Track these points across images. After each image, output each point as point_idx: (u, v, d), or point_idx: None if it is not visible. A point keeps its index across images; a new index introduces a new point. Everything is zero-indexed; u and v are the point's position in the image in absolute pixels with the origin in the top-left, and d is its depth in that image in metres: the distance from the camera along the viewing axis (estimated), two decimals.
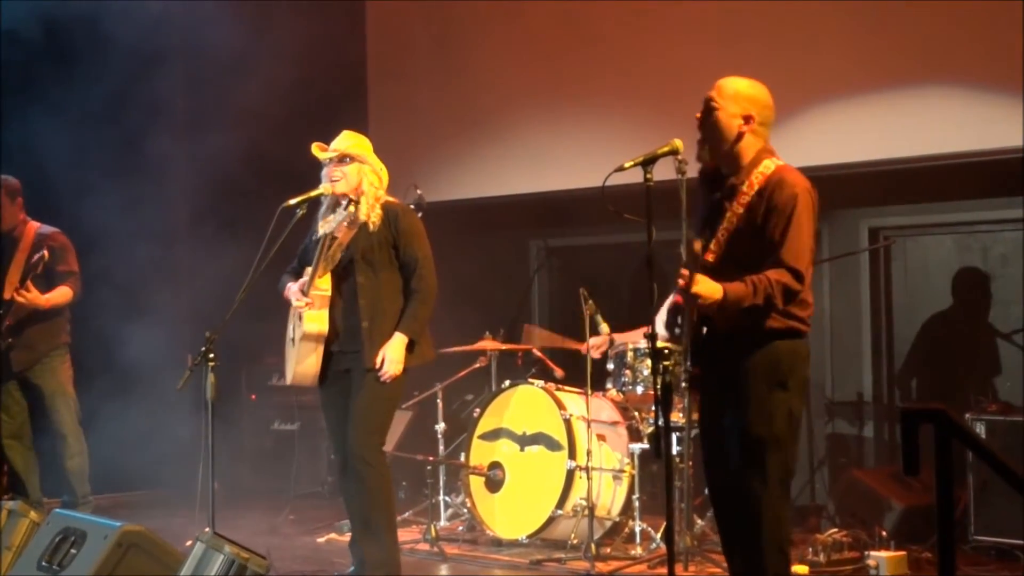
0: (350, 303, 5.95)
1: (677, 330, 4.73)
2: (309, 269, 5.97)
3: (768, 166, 4.63)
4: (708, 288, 4.43)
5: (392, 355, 5.91)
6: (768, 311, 4.51)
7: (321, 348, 5.97)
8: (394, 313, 5.98)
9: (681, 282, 4.43)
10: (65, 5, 8.38)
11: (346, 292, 5.96)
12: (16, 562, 5.14)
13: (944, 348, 8.21)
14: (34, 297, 7.18)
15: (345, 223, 5.86)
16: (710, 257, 4.62)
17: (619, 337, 7.25)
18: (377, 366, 5.89)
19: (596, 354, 7.19)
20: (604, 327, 7.24)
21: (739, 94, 4.66)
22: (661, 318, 5.24)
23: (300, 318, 5.97)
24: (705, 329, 4.66)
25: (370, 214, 5.93)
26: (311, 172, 6.13)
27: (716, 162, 4.73)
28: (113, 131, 8.62)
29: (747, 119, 4.63)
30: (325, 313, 5.95)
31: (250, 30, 8.82)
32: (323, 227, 5.97)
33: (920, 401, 8.20)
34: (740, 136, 4.64)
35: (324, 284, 5.94)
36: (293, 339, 6.10)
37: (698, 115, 4.70)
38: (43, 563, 4.86)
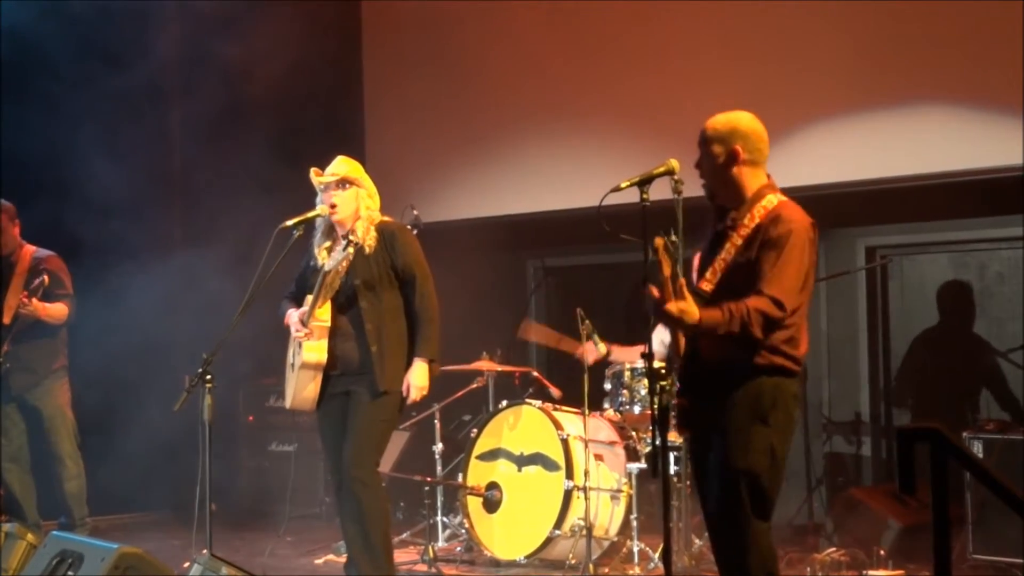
0: (355, 328, 5.96)
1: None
2: (309, 298, 5.98)
3: (771, 200, 4.61)
4: (682, 308, 4.38)
5: (417, 382, 5.95)
6: (750, 343, 4.47)
7: (320, 376, 6.00)
8: (398, 333, 6.00)
9: (655, 295, 4.41)
10: (59, 9, 8.43)
11: (350, 317, 5.97)
12: None
13: (941, 366, 8.22)
14: (36, 305, 7.21)
15: (345, 261, 5.88)
16: (707, 287, 4.60)
17: (617, 352, 7.23)
18: (405, 393, 5.95)
19: (590, 360, 7.12)
20: (601, 346, 7.23)
21: (718, 132, 4.64)
22: (659, 336, 5.24)
23: (300, 346, 5.99)
24: (695, 366, 4.65)
25: (365, 237, 5.95)
26: (308, 193, 6.14)
27: (720, 200, 4.72)
28: (106, 145, 8.62)
29: (733, 154, 4.62)
30: (324, 343, 5.97)
31: (246, 49, 8.84)
32: (326, 260, 5.98)
33: (917, 419, 8.21)
34: (731, 171, 4.62)
35: (324, 314, 5.96)
36: (293, 365, 6.11)
37: (696, 164, 4.71)
38: None
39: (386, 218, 6.13)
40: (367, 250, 5.95)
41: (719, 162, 4.63)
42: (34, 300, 7.19)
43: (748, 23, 7.94)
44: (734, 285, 4.53)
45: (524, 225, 9.35)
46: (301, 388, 6.01)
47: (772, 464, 4.53)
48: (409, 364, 5.99)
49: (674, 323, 4.43)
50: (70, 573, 4.79)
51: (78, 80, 8.58)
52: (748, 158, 4.63)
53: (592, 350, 7.11)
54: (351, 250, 5.88)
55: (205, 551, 4.95)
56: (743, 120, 4.68)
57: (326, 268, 5.92)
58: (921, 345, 8.31)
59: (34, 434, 7.48)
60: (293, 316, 6.05)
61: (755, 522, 4.53)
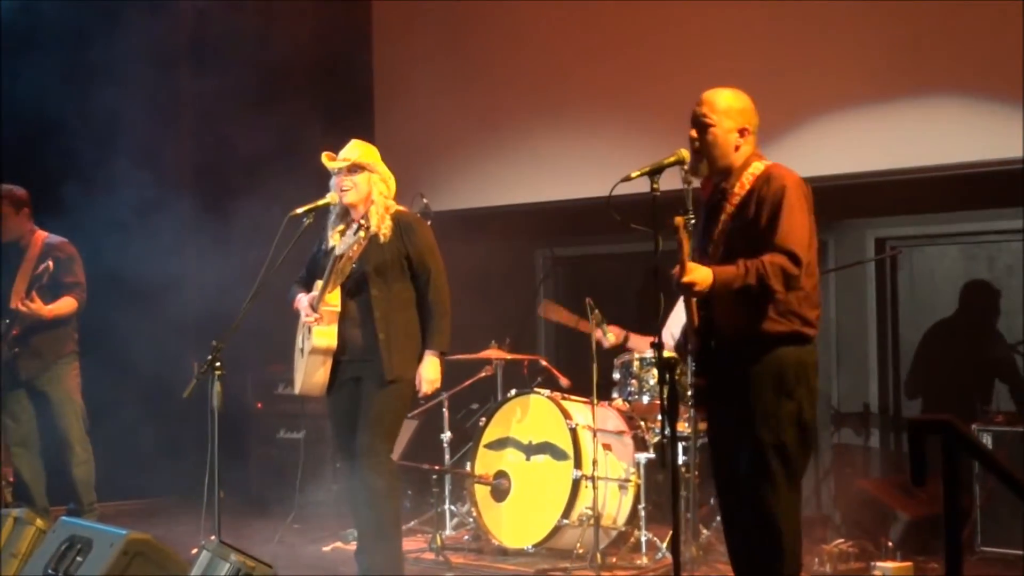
0: (364, 315, 5.94)
1: (689, 347, 4.76)
2: (319, 283, 5.97)
3: (758, 167, 4.70)
4: (699, 275, 4.45)
5: (428, 375, 5.97)
6: (766, 303, 4.51)
7: (329, 361, 5.99)
8: (407, 323, 5.99)
9: (676, 274, 4.45)
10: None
11: (359, 304, 5.96)
12: (22, 569, 5.15)
13: (951, 358, 8.20)
14: (38, 307, 7.20)
15: (357, 246, 5.87)
16: (710, 262, 4.64)
17: (634, 340, 7.25)
18: (417, 385, 5.97)
19: (608, 343, 7.16)
20: (610, 335, 7.24)
21: (731, 108, 4.71)
22: (670, 330, 5.26)
23: (309, 331, 5.99)
24: (713, 342, 4.66)
25: (380, 225, 5.94)
26: (318, 180, 6.14)
27: (711, 174, 4.76)
28: (118, 134, 8.61)
29: (743, 132, 4.71)
30: (334, 328, 5.96)
31: (255, 36, 8.83)
32: (337, 244, 5.97)
33: (926, 411, 8.20)
34: (737, 148, 4.70)
35: (334, 299, 5.95)
36: (302, 350, 6.10)
37: (693, 133, 4.72)
38: (49, 570, 4.87)
39: (402, 208, 6.12)
40: (382, 238, 5.93)
41: (730, 137, 4.68)
42: (35, 302, 7.17)
43: (760, 15, 7.92)
44: (736, 251, 4.56)
45: (533, 214, 9.33)
46: (311, 373, 6.01)
47: (802, 436, 4.61)
48: (418, 355, 5.99)
49: (692, 291, 4.46)
50: (79, 558, 4.80)
51: (83, 44, 8.56)
52: (751, 135, 4.73)
53: (614, 331, 7.15)
54: (362, 234, 5.87)
55: (213, 537, 4.96)
56: (746, 96, 4.77)
57: (337, 251, 5.92)
58: (932, 336, 8.30)
59: (43, 420, 7.49)
60: (303, 301, 6.05)
61: (786, 498, 4.56)
